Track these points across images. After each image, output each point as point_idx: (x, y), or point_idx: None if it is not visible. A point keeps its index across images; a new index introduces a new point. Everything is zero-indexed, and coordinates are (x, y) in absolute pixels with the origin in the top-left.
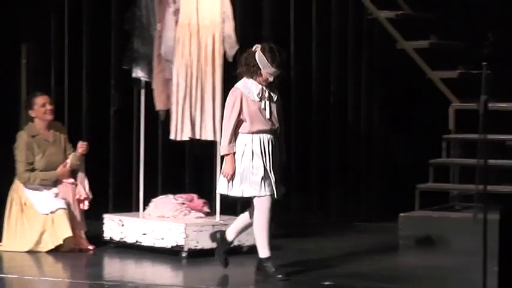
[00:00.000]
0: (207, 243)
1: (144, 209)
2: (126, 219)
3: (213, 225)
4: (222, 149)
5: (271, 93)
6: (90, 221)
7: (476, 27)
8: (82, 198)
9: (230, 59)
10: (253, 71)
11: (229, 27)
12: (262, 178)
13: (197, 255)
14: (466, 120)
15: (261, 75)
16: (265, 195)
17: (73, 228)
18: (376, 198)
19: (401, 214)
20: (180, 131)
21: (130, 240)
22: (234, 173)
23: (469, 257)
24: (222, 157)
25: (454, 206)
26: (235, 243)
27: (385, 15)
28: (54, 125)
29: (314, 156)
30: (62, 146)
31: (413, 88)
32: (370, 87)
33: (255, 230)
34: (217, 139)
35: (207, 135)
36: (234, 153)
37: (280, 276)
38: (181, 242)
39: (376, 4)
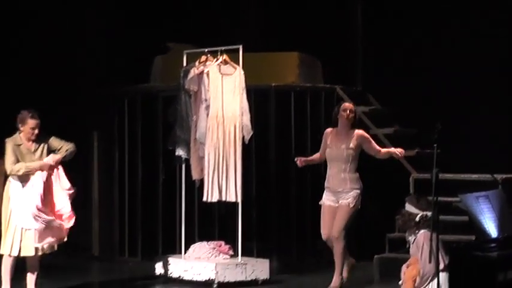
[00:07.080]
0: (232, 278)
1: (185, 252)
2: (172, 259)
3: (236, 264)
4: None
5: None
6: (145, 261)
7: (427, 118)
8: (67, 188)
9: (246, 142)
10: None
11: (246, 118)
12: None
13: (225, 287)
14: (423, 186)
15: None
16: None
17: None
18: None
19: (376, 256)
20: (210, 195)
21: (175, 275)
22: None
23: None
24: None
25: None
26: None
27: (361, 109)
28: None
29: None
30: (43, 155)
31: (381, 163)
32: None
33: None
34: (239, 200)
35: (231, 198)
36: None
37: None
38: (213, 277)
39: (354, 101)
